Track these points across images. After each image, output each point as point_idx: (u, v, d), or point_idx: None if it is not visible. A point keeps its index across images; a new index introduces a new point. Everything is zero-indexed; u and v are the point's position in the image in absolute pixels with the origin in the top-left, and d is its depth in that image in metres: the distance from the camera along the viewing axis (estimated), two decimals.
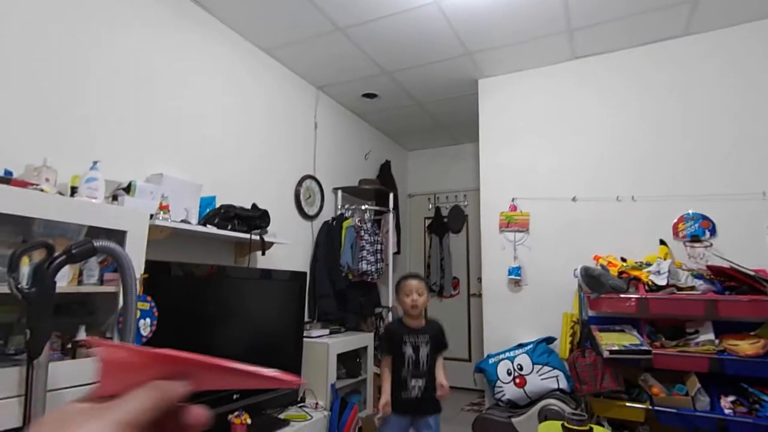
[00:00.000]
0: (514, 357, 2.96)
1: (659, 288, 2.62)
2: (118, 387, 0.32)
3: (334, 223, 3.81)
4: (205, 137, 2.80)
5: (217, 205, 2.61)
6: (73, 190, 1.71)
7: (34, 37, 1.94)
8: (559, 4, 2.77)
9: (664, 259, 2.76)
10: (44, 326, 1.22)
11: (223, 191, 2.82)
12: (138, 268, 1.73)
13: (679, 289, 2.59)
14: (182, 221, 2.26)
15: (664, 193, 2.98)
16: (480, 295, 3.67)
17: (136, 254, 1.73)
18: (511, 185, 3.47)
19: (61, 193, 1.61)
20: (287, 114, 3.56)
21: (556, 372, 2.85)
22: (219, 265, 2.53)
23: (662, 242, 2.90)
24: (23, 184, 1.42)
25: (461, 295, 5.06)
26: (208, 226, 2.43)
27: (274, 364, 2.00)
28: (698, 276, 2.63)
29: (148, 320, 1.76)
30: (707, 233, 2.82)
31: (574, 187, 3.26)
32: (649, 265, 2.77)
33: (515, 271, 3.30)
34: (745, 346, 2.39)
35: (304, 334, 3.12)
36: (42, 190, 1.45)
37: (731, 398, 2.42)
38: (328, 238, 3.74)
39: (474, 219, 4.85)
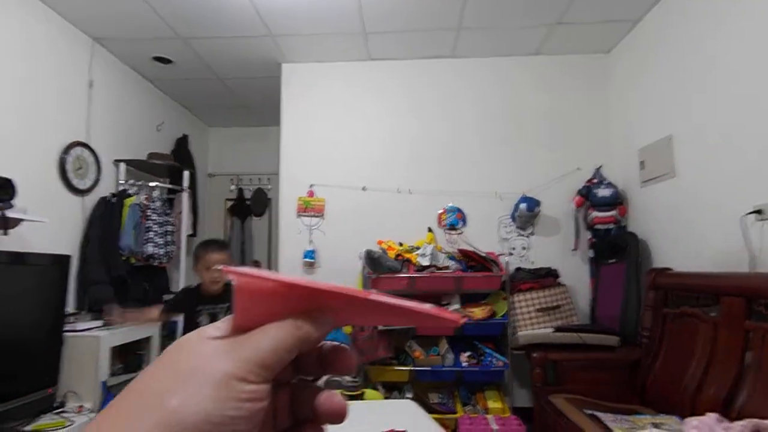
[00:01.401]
0: None
1: (424, 268, 3.09)
2: (253, 319, 0.27)
3: (114, 200, 3.33)
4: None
5: None
6: None
7: None
8: (353, 6, 2.91)
9: (429, 244, 3.27)
10: None
11: None
12: None
13: (438, 268, 3.11)
14: None
15: (433, 188, 3.51)
16: None
17: None
18: (309, 172, 3.58)
19: None
20: (51, 63, 2.93)
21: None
22: None
23: (429, 229, 3.44)
24: None
25: None
26: None
27: (23, 364, 1.67)
28: (452, 258, 3.18)
29: None
30: (461, 223, 3.46)
31: (364, 177, 3.56)
32: (418, 248, 3.25)
33: (309, 254, 3.43)
34: (478, 312, 3.01)
35: (68, 328, 2.67)
36: None
37: (468, 353, 3.05)
38: (106, 217, 3.25)
39: (277, 203, 4.81)
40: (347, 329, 3.16)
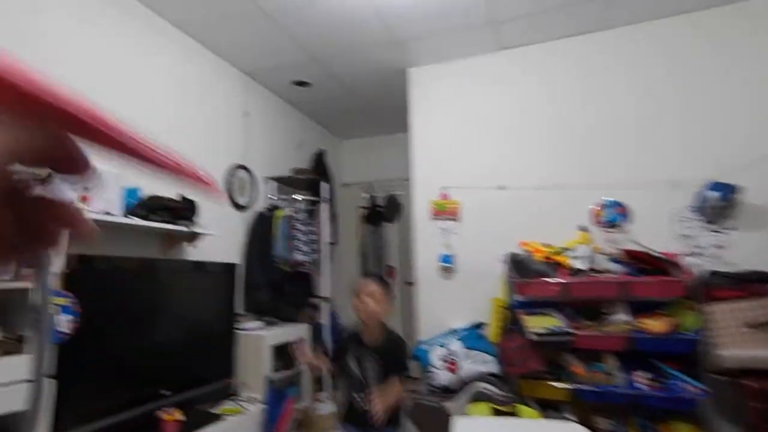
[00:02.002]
0: (447, 343, 3.01)
1: (579, 272, 2.74)
2: None
3: (268, 213, 3.75)
4: (129, 123, 2.64)
5: (143, 197, 2.48)
6: None
7: None
8: None
9: (584, 245, 2.88)
10: None
11: (150, 182, 2.68)
12: (57, 262, 1.62)
13: (598, 272, 2.74)
14: (105, 213, 2.14)
15: (583, 182, 3.13)
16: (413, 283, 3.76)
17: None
18: (441, 174, 3.53)
19: None
20: (217, 102, 3.43)
21: (487, 356, 2.90)
22: (146, 258, 2.42)
23: (582, 228, 3.03)
24: None
25: (397, 284, 5.15)
26: (132, 217, 2.32)
27: (206, 357, 1.98)
28: (614, 260, 2.78)
29: (67, 316, 1.66)
30: (623, 219, 2.98)
31: (501, 176, 3.35)
32: (570, 250, 2.89)
33: (446, 259, 3.38)
34: (655, 325, 2.53)
35: (238, 327, 3.06)
36: None
37: (643, 374, 2.54)
38: (261, 229, 3.67)
39: (410, 208, 4.94)
40: (493, 339, 2.97)
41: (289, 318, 3.65)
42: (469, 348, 2.95)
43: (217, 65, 3.46)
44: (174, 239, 2.74)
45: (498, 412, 2.48)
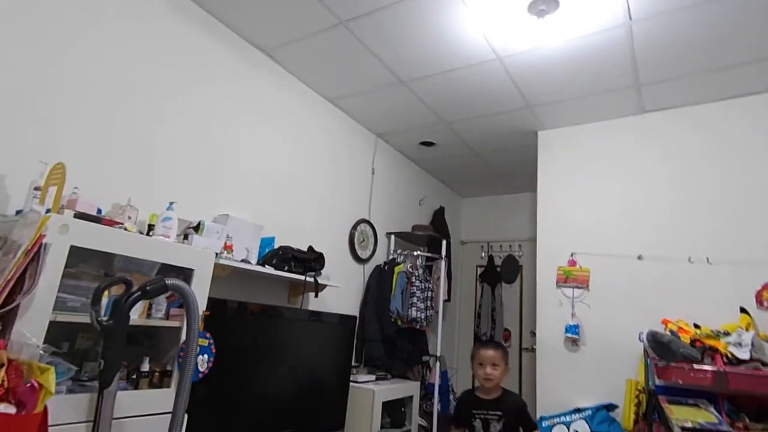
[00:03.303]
0: (571, 422, 2.81)
1: (740, 362, 2.36)
2: None
3: (386, 267, 3.84)
4: (269, 180, 2.96)
5: (276, 246, 2.72)
6: (150, 228, 1.85)
7: (126, 86, 2.18)
8: (626, 61, 2.74)
9: (746, 330, 2.49)
10: (117, 357, 1.31)
11: (283, 233, 2.94)
12: (201, 305, 1.83)
13: (764, 364, 2.33)
14: (243, 261, 2.37)
15: (744, 257, 2.75)
16: (533, 350, 3.53)
17: (201, 291, 1.83)
18: (569, 239, 3.37)
19: (140, 232, 1.75)
20: (347, 160, 3.70)
21: None
22: (273, 306, 2.61)
23: (743, 310, 2.65)
24: (111, 223, 1.56)
25: (513, 348, 4.87)
26: (266, 266, 2.53)
27: (320, 405, 2.03)
28: None
29: (206, 356, 1.83)
30: None
31: (639, 244, 3.10)
32: (727, 334, 2.50)
33: (573, 330, 3.13)
34: None
35: (351, 379, 3.11)
36: (125, 229, 1.59)
37: None
38: (379, 283, 3.76)
39: (528, 270, 4.74)
40: (626, 425, 2.68)
41: (400, 374, 3.62)
42: (596, 431, 2.74)
43: (350, 126, 3.75)
44: (300, 288, 2.93)
45: None
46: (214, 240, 2.16)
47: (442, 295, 4.23)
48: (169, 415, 1.43)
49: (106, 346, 1.30)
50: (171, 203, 1.93)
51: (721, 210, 2.90)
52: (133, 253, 1.59)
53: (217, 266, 2.09)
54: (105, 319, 1.29)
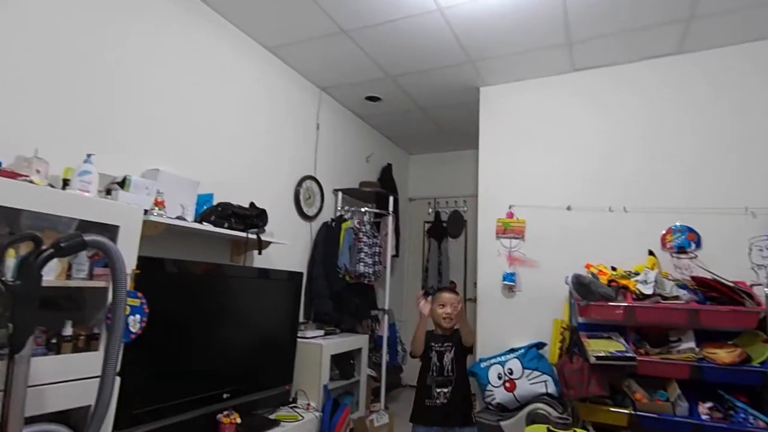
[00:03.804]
0: (505, 361, 2.98)
1: (645, 297, 2.68)
2: None
3: (333, 224, 3.80)
4: (204, 133, 2.79)
5: (215, 203, 2.59)
6: (65, 183, 1.69)
7: (37, 28, 1.93)
8: (559, 17, 2.77)
9: (652, 269, 2.80)
10: (28, 320, 1.20)
11: (222, 189, 2.80)
12: (130, 263, 1.72)
13: (664, 298, 2.65)
14: (178, 218, 2.25)
15: (654, 205, 3.03)
16: (476, 300, 3.65)
17: (129, 250, 1.71)
18: (508, 192, 3.48)
19: (52, 186, 1.59)
20: (289, 113, 3.54)
21: (545, 377, 2.88)
22: (214, 263, 2.51)
23: (651, 252, 2.96)
24: (12, 175, 1.40)
25: None
26: (204, 223, 2.42)
27: (267, 362, 2.01)
28: (682, 286, 2.70)
29: (137, 317, 1.74)
30: (693, 245, 2.90)
31: (569, 196, 3.29)
32: (637, 274, 2.82)
33: (509, 277, 3.31)
34: (723, 355, 2.47)
35: (299, 335, 3.10)
36: (31, 182, 1.44)
37: (708, 404, 2.49)
38: (327, 239, 3.72)
39: (473, 224, 4.83)
40: (552, 360, 2.95)
41: (349, 329, 3.66)
42: (527, 367, 2.93)
43: (291, 77, 3.57)
44: (242, 246, 2.83)
45: None
46: (142, 196, 2.02)
47: (390, 251, 4.26)
48: (98, 380, 1.35)
49: (15, 310, 1.18)
50: (89, 155, 1.77)
51: (639, 163, 3.14)
52: (44, 208, 1.45)
53: (148, 224, 1.97)
54: (11, 280, 1.17)
